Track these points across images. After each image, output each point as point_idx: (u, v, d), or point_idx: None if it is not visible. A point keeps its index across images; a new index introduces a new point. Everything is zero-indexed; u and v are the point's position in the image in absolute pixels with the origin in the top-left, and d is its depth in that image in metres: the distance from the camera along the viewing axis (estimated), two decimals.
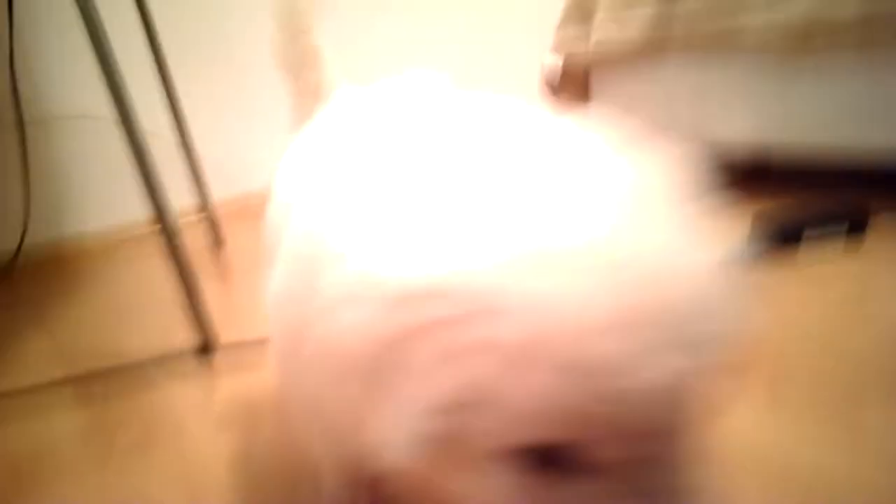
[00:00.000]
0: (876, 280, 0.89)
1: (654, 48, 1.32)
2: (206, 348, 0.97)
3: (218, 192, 1.64)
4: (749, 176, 1.38)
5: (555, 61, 1.54)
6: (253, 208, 1.93)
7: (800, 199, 1.10)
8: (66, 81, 1.67)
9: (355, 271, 0.30)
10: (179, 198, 1.24)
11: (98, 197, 1.77)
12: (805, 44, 1.09)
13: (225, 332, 0.98)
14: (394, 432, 0.29)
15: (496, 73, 2.21)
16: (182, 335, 0.97)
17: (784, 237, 0.99)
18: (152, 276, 1.39)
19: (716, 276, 0.29)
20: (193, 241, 1.23)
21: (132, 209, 1.69)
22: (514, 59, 2.15)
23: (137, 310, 1.26)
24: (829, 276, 0.90)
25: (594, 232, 0.27)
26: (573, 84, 1.59)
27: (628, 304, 0.25)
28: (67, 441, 0.79)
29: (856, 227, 0.99)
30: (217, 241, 1.58)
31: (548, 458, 0.28)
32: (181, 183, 1.46)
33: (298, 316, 0.35)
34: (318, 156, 0.50)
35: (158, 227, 0.92)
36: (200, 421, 0.79)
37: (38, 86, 1.65)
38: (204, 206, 1.55)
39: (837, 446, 0.58)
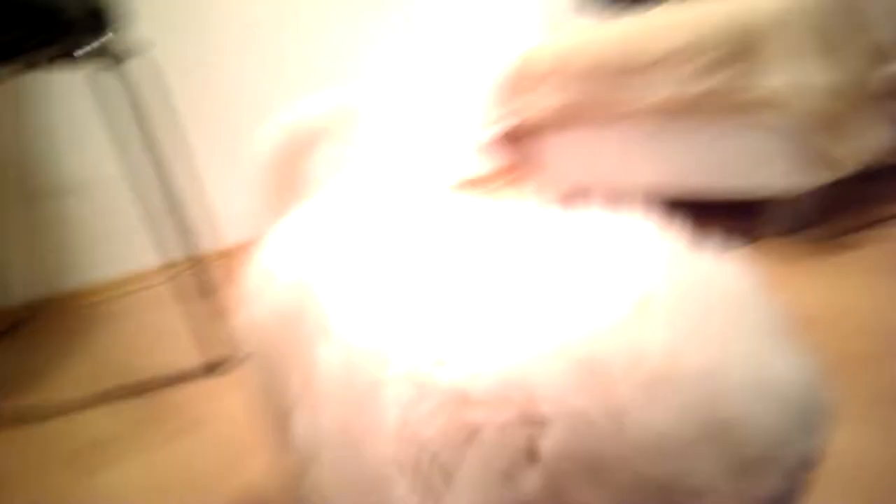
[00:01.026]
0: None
1: (572, 116, 1.67)
2: (214, 365, 1.23)
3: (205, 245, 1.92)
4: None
5: (493, 132, 1.87)
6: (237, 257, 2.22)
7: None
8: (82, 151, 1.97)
9: (413, 374, 0.30)
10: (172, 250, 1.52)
11: (105, 251, 2.05)
12: (674, 113, 1.44)
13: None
14: None
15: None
16: (193, 356, 1.24)
17: None
18: (159, 314, 1.66)
19: (790, 388, 0.27)
20: (187, 288, 1.49)
21: (135, 261, 1.98)
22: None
23: (152, 340, 1.51)
24: None
25: (645, 341, 0.26)
26: (514, 146, 1.92)
27: (687, 424, 0.24)
28: (116, 437, 1.04)
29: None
30: (208, 287, 1.84)
31: None
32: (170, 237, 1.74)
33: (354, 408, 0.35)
34: (331, 247, 0.49)
35: (171, 271, 1.19)
36: (219, 415, 1.05)
37: (58, 156, 1.94)
38: (196, 257, 1.82)
39: None
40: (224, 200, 2.11)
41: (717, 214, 1.60)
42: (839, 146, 1.27)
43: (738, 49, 1.31)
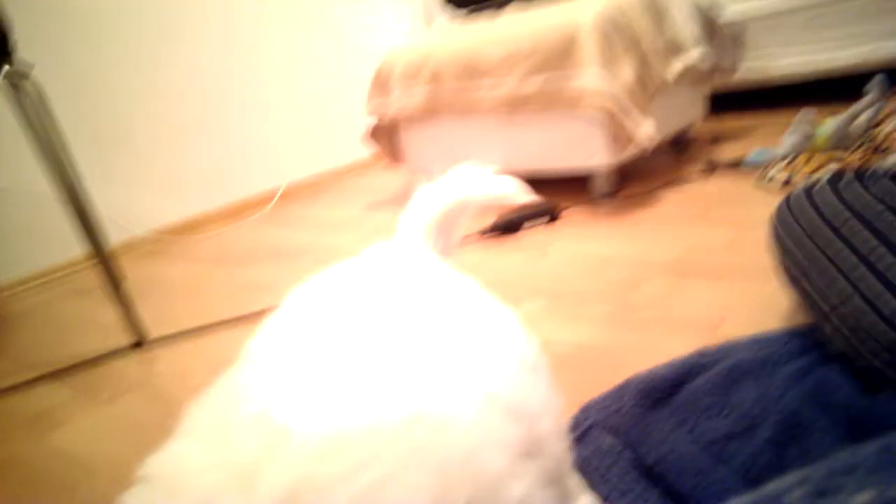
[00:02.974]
0: (561, 241, 1.54)
1: (430, 111, 1.96)
2: (139, 343, 1.40)
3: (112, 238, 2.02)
4: None
5: (365, 126, 2.14)
6: (142, 249, 2.38)
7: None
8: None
9: None
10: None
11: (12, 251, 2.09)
12: (513, 108, 1.77)
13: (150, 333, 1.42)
14: None
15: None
16: (118, 337, 1.40)
17: (510, 226, 1.63)
18: (77, 303, 1.76)
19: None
20: (92, 282, 1.61)
21: (41, 259, 2.05)
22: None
23: (72, 328, 1.63)
24: (539, 245, 1.54)
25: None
26: (384, 137, 2.19)
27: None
28: (62, 404, 1.19)
29: (552, 217, 1.66)
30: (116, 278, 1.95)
31: None
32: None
33: None
34: None
35: (76, 267, 1.33)
36: (152, 379, 1.23)
37: None
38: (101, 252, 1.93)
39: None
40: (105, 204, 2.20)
41: (555, 186, 1.98)
42: (639, 129, 1.66)
43: (559, 54, 1.66)
